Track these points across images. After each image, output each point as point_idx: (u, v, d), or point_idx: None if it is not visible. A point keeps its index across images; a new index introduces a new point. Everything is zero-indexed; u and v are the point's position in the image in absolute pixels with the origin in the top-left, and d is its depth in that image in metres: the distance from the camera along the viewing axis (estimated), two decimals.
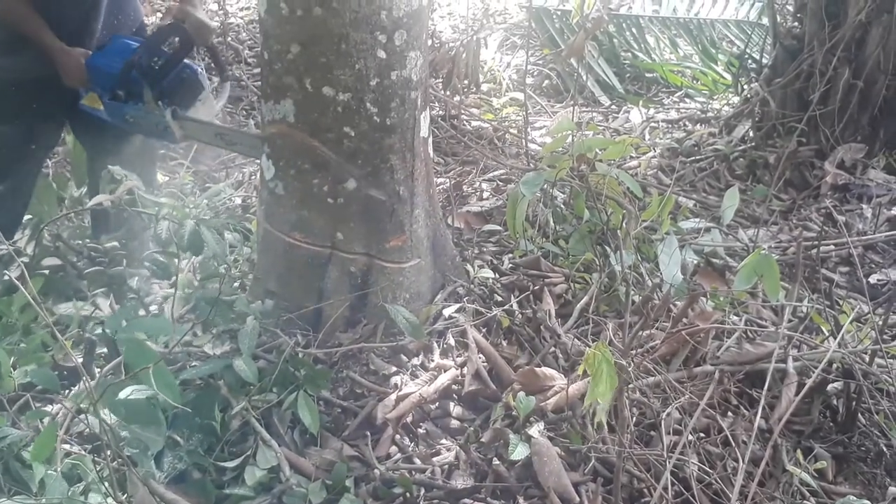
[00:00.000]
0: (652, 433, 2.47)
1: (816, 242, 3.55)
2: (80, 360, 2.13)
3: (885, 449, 2.54)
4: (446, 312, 2.85)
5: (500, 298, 3.01)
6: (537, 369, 2.58)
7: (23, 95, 2.98)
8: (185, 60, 2.98)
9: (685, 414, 2.47)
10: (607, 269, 3.03)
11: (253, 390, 2.42)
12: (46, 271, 3.03)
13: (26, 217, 3.31)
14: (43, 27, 2.90)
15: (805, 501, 2.35)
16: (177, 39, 2.91)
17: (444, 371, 2.63)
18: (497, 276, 3.14)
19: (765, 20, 5.75)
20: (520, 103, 5.55)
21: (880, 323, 2.85)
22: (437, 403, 2.59)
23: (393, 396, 2.55)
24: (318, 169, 2.65)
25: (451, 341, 2.75)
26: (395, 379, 2.63)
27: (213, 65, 3.09)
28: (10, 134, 3.00)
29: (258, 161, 2.86)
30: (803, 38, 4.63)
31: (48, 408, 2.39)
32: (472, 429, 2.48)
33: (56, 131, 3.25)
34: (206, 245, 2.81)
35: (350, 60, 2.51)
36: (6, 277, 2.89)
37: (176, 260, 2.81)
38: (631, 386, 2.41)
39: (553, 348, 2.76)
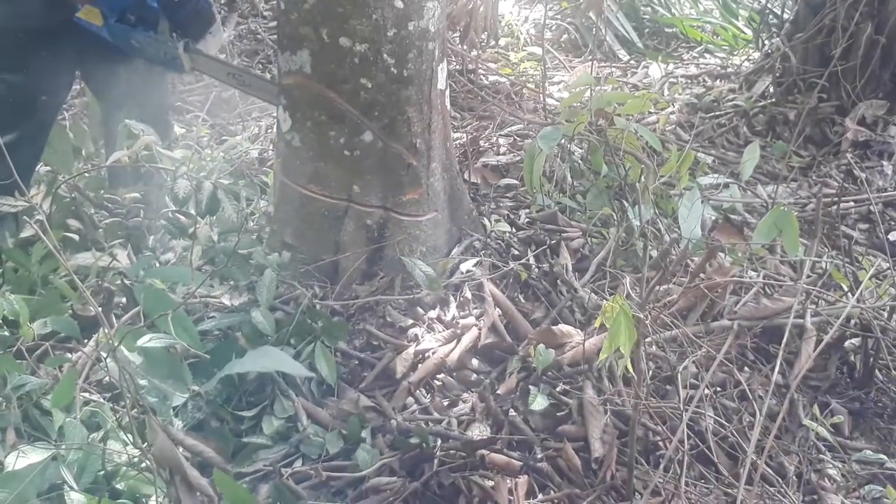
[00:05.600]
0: (668, 387, 2.48)
1: (836, 199, 3.51)
2: (100, 308, 2.14)
3: None
4: (463, 266, 2.85)
5: (516, 252, 3.00)
6: (554, 328, 2.57)
7: (28, 44, 2.94)
8: None
9: (702, 368, 2.48)
10: (625, 223, 3.02)
11: (270, 341, 2.43)
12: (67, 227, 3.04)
13: (44, 169, 3.31)
14: None
15: (821, 455, 2.36)
16: None
17: (466, 331, 2.64)
18: (514, 230, 3.13)
19: None
20: (538, 58, 5.50)
21: None
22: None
23: (410, 350, 2.55)
24: (335, 121, 2.64)
25: (468, 295, 2.75)
26: (412, 331, 2.64)
27: None
28: (17, 83, 2.97)
29: (274, 113, 2.85)
30: None
31: (68, 356, 2.41)
32: (488, 381, 2.49)
33: (66, 81, 3.20)
34: (223, 208, 2.82)
35: (367, 10, 2.48)
36: (24, 232, 2.90)
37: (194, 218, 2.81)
38: (648, 340, 2.40)
39: (570, 302, 2.76)
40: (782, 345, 2.22)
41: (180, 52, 2.83)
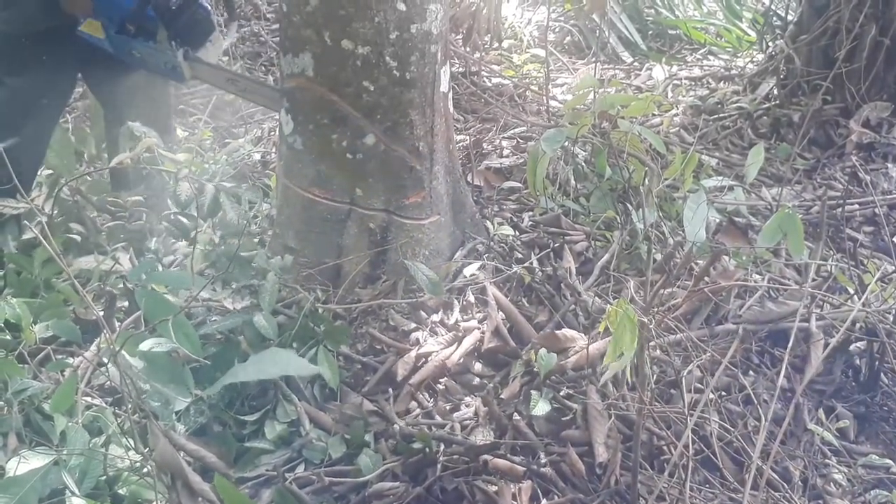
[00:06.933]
0: (672, 391, 2.46)
1: (841, 201, 3.50)
2: (101, 312, 2.13)
3: None
4: (466, 269, 2.84)
5: (520, 256, 2.99)
6: (558, 332, 2.56)
7: (31, 47, 2.94)
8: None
9: (706, 372, 2.46)
10: (628, 226, 3.00)
11: (272, 345, 2.42)
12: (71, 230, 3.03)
13: (46, 172, 3.30)
14: None
15: (827, 460, 2.34)
16: None
17: (469, 333, 2.62)
18: (517, 233, 3.12)
19: None
20: (541, 60, 5.48)
21: None
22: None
23: (413, 353, 2.54)
24: (338, 124, 2.63)
25: (471, 298, 2.74)
26: (415, 335, 2.63)
27: (223, 2, 3.06)
28: (20, 87, 2.97)
29: (277, 116, 2.84)
30: None
31: (69, 360, 2.40)
32: (491, 385, 2.48)
33: (68, 84, 3.21)
34: (224, 211, 2.82)
35: (369, 13, 2.48)
36: (26, 234, 2.90)
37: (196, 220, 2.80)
38: (652, 344, 2.39)
39: (573, 306, 2.75)
40: (787, 349, 2.21)
41: (180, 60, 2.85)
